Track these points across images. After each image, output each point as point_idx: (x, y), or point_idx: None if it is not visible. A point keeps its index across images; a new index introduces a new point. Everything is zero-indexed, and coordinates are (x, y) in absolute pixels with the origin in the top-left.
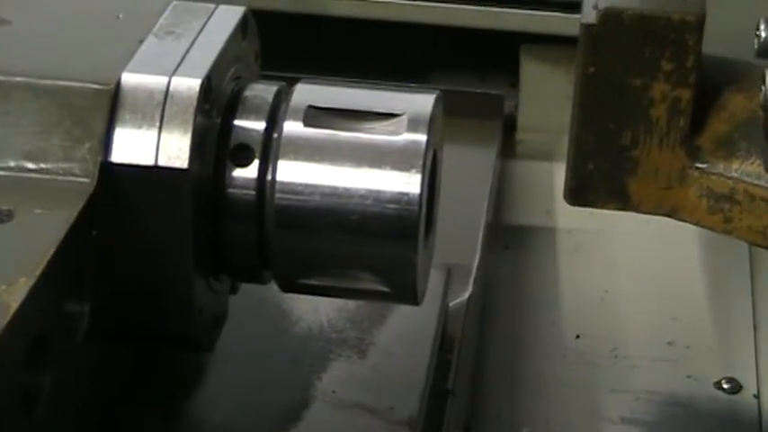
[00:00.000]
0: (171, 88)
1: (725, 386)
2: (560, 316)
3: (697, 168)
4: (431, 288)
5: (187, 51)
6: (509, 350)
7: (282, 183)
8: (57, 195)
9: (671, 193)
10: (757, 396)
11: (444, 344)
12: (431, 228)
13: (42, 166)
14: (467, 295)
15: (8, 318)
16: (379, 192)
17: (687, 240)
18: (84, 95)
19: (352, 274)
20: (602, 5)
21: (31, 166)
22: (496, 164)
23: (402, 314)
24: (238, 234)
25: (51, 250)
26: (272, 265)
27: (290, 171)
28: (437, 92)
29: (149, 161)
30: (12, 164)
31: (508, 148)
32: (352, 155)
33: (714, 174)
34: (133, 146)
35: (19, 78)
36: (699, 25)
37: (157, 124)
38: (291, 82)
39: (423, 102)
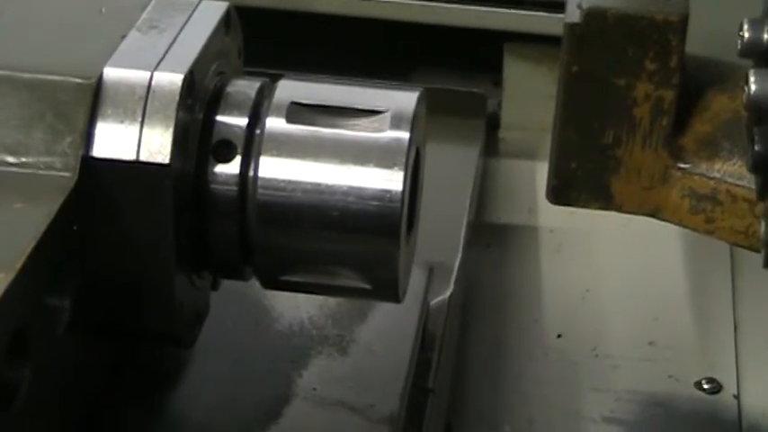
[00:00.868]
0: (153, 83)
1: (705, 386)
2: (542, 315)
3: (679, 168)
4: (412, 286)
5: (170, 46)
6: (490, 349)
7: (264, 179)
8: (37, 189)
9: (653, 193)
10: (737, 396)
11: (425, 342)
12: (413, 225)
13: (23, 159)
14: (448, 294)
15: None
16: (361, 189)
17: (669, 240)
18: (65, 89)
19: (334, 271)
20: (585, 5)
21: (11, 159)
22: (479, 162)
23: (383, 312)
24: (220, 230)
25: (32, 244)
26: (254, 261)
27: (272, 167)
28: (420, 89)
29: (131, 156)
30: None
31: (491, 147)
32: (334, 151)
33: (696, 174)
34: (115, 141)
35: (0, 72)
36: (682, 25)
37: (139, 119)
38: (275, 78)
39: (406, 99)
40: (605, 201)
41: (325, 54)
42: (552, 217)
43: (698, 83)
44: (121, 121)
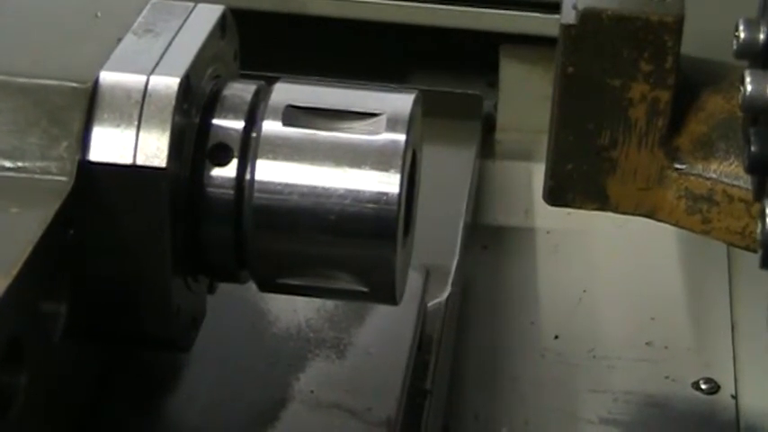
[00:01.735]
0: (149, 87)
1: (703, 386)
2: (539, 316)
3: (675, 169)
4: (409, 288)
5: (165, 50)
6: (487, 350)
7: (261, 182)
8: (34, 194)
9: (649, 194)
10: (735, 396)
11: (423, 344)
12: (410, 228)
13: (19, 164)
14: (445, 295)
15: None
16: (357, 191)
17: (665, 241)
18: (61, 94)
19: (331, 274)
20: (581, 6)
21: (7, 164)
22: (475, 164)
23: (380, 314)
24: (216, 233)
25: (28, 250)
26: (251, 264)
27: (268, 170)
28: (416, 92)
29: (127, 160)
30: None
31: (487, 149)
32: (330, 154)
33: (693, 174)
34: (111, 145)
35: None
36: (677, 26)
37: (135, 123)
38: (271, 81)
39: (402, 101)
40: (601, 202)
41: (321, 57)
42: (549, 218)
43: (693, 83)
44: (117, 126)
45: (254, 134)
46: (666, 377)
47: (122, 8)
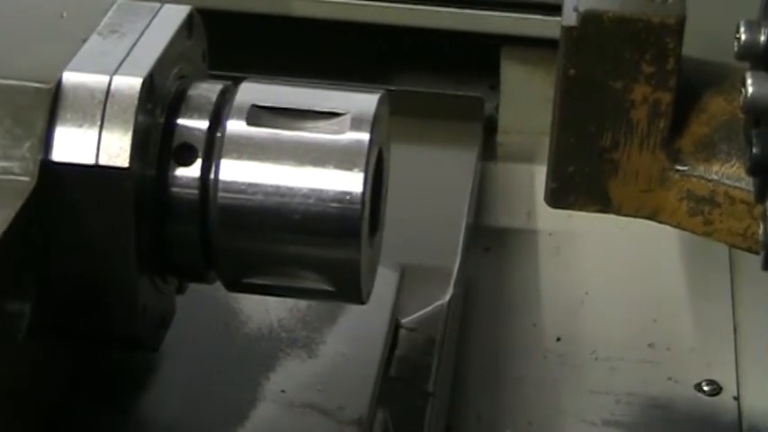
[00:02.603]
0: (112, 87)
1: (705, 388)
2: (541, 318)
3: (677, 171)
4: (383, 288)
5: (130, 50)
6: (490, 352)
7: (225, 182)
8: None
9: (651, 196)
10: (737, 398)
11: (424, 346)
12: (377, 227)
13: None
14: (447, 297)
15: None
16: (321, 191)
17: (667, 243)
18: (24, 94)
19: (296, 274)
20: (582, 8)
21: None
22: (477, 166)
23: (354, 314)
24: (182, 234)
25: None
26: (217, 264)
27: (232, 170)
28: (382, 91)
29: (90, 160)
30: None
31: (489, 151)
32: (294, 154)
33: (694, 176)
34: (74, 145)
35: None
36: (679, 28)
37: (98, 123)
38: (239, 81)
39: (367, 101)
40: (603, 204)
41: (321, 59)
42: (550, 220)
43: (695, 85)
44: (80, 126)
45: (218, 134)
46: (669, 379)
47: (88, 9)
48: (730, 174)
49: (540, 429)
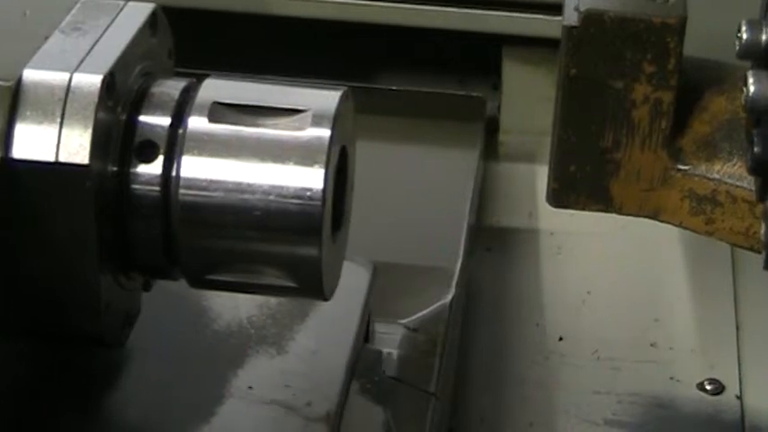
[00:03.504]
0: (72, 84)
1: (708, 387)
2: (543, 318)
3: (679, 170)
4: (354, 285)
5: (92, 48)
6: (492, 352)
7: (186, 179)
8: None
9: (653, 195)
10: (740, 397)
11: (423, 348)
12: (341, 223)
13: None
14: (449, 297)
15: None
16: (282, 187)
17: (669, 242)
18: None
19: (259, 270)
20: (583, 7)
21: None
22: (479, 166)
23: (324, 311)
24: (144, 231)
25: None
26: (180, 261)
27: (193, 167)
28: (344, 88)
29: (50, 157)
30: None
31: (490, 150)
32: (255, 150)
33: (696, 175)
34: (34, 142)
35: None
36: (680, 27)
37: (59, 120)
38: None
39: (328, 98)
40: (605, 203)
41: (321, 60)
42: (552, 220)
43: (696, 84)
44: (40, 123)
45: (180, 131)
46: (671, 378)
47: (51, 7)
48: (732, 173)
49: (542, 430)
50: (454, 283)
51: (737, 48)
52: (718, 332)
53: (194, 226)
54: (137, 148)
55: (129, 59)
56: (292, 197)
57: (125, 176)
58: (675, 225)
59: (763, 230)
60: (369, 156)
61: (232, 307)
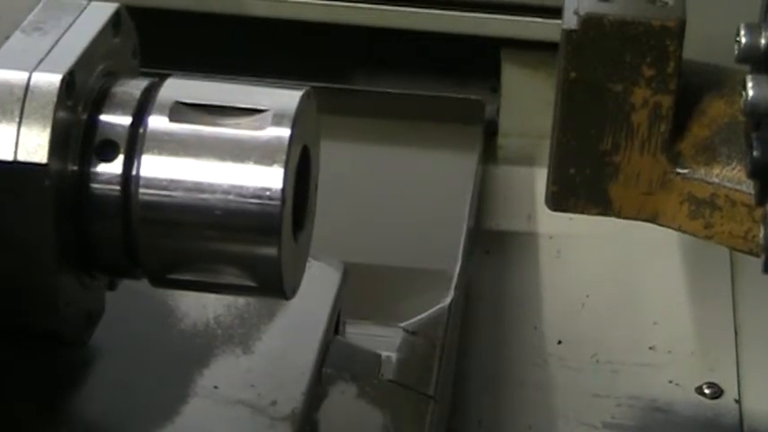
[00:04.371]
0: (31, 84)
1: (706, 391)
2: (542, 321)
3: (678, 174)
4: (322, 285)
5: (52, 47)
6: (491, 356)
7: (146, 178)
8: None
9: (652, 199)
10: (738, 401)
11: (422, 350)
12: (303, 223)
13: None
14: (448, 300)
15: None
16: (241, 187)
17: (668, 245)
18: None
19: (219, 269)
20: (583, 11)
21: None
22: (478, 169)
23: (292, 311)
24: (104, 230)
25: None
26: (140, 260)
27: (153, 166)
28: (306, 88)
29: (8, 156)
30: None
31: (489, 154)
32: (215, 150)
33: (695, 179)
34: None
35: None
36: (679, 31)
37: (17, 119)
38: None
39: (289, 97)
40: (604, 207)
41: (321, 61)
42: (551, 223)
43: (695, 88)
44: None
45: (140, 130)
46: (670, 382)
47: (13, 7)
48: (731, 177)
49: None
50: (453, 285)
51: (736, 51)
52: (717, 336)
53: (154, 225)
54: (97, 148)
55: (90, 59)
56: (251, 197)
57: (85, 176)
58: (674, 229)
59: (761, 234)
60: (368, 159)
61: (199, 306)
